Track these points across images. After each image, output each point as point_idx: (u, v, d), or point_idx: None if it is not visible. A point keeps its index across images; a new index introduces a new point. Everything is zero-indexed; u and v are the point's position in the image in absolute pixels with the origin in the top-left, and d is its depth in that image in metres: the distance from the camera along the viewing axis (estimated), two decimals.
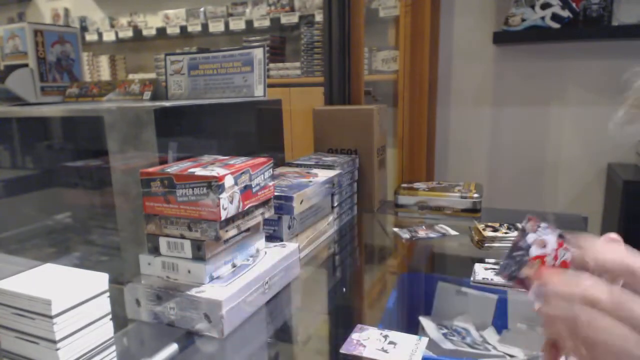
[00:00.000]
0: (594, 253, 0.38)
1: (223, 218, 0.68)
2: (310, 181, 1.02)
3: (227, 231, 0.70)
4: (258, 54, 1.09)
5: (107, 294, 0.58)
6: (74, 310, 0.54)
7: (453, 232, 1.13)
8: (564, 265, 0.40)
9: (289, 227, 0.93)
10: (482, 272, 0.87)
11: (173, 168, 0.72)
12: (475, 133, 2.29)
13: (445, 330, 0.84)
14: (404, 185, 1.37)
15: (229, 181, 0.69)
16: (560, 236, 0.41)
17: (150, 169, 0.72)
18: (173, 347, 0.65)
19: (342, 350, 0.63)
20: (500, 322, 0.85)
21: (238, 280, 0.72)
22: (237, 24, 3.11)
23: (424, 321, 0.85)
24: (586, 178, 2.13)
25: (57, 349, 0.53)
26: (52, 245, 0.99)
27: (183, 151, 0.84)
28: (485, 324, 0.86)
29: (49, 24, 2.88)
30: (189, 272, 0.71)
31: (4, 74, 1.17)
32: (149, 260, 0.73)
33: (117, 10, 3.71)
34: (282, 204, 0.91)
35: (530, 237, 0.42)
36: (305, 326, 0.79)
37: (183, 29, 3.30)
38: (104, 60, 3.71)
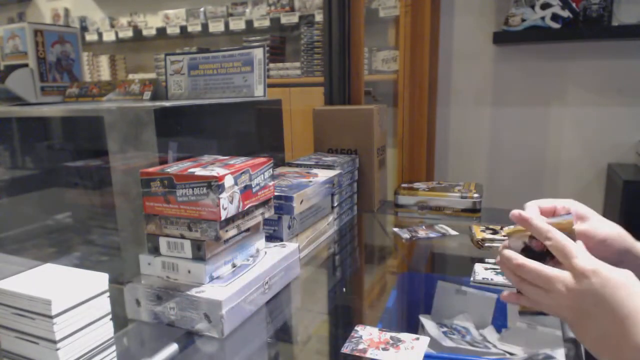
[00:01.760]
0: None
1: (223, 218, 0.68)
2: (310, 181, 1.02)
3: (227, 231, 0.70)
4: (258, 54, 1.09)
5: (107, 294, 0.58)
6: (74, 310, 0.54)
7: (453, 232, 1.13)
8: None
9: (289, 227, 0.93)
10: (482, 272, 0.87)
11: (173, 168, 0.72)
12: (475, 133, 2.29)
13: (445, 329, 0.84)
14: (404, 185, 1.37)
15: (229, 181, 0.69)
16: None
17: (150, 169, 0.72)
18: (173, 347, 0.65)
19: (343, 350, 0.63)
20: (499, 321, 0.86)
21: (238, 280, 0.72)
22: (237, 24, 3.11)
23: (424, 320, 0.85)
24: (586, 178, 2.13)
25: (57, 349, 0.53)
26: (52, 245, 1.00)
27: (183, 151, 0.84)
28: (484, 323, 0.86)
29: (49, 24, 2.88)
30: (189, 272, 0.71)
31: (4, 74, 1.17)
32: (149, 260, 0.74)
33: (117, 10, 3.71)
34: (282, 204, 0.91)
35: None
36: (305, 326, 0.79)
37: (183, 29, 3.30)
38: (104, 60, 3.71)
